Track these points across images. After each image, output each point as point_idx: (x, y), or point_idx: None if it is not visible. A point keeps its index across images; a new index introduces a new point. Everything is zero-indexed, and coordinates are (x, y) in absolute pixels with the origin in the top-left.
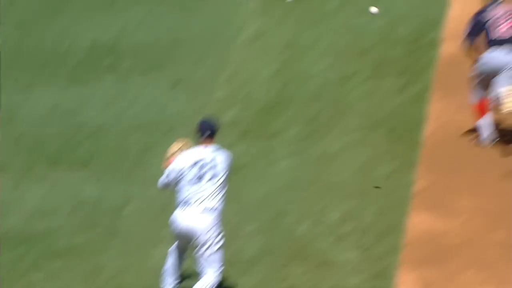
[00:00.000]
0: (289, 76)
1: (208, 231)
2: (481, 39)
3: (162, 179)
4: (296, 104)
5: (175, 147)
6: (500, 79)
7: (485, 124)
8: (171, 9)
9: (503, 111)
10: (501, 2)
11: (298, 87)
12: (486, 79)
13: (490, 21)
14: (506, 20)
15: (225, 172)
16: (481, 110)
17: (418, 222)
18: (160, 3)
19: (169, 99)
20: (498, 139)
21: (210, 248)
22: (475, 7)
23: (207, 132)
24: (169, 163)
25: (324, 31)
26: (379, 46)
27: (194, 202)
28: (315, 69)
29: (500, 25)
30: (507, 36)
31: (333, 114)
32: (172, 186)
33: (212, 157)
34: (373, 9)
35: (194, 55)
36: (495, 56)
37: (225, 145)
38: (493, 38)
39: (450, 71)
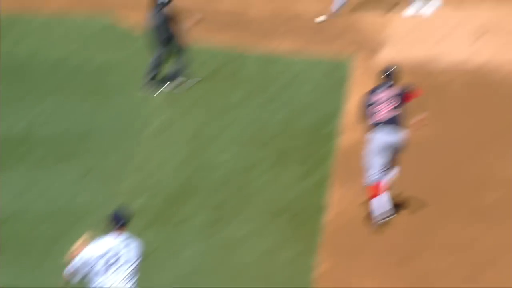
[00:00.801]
0: (195, 165)
1: None
2: (367, 121)
3: (68, 269)
4: (202, 191)
5: (82, 238)
6: (377, 160)
7: (379, 204)
8: (82, 101)
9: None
10: (389, 86)
11: (204, 176)
12: (373, 160)
13: (374, 103)
14: (387, 103)
15: (137, 259)
16: (374, 191)
17: None
18: (71, 96)
19: (80, 188)
20: (391, 218)
21: None
22: None
23: (120, 221)
24: (75, 254)
25: (229, 122)
26: (282, 136)
27: None
28: (221, 158)
29: (381, 107)
30: (386, 118)
31: (239, 201)
32: (81, 276)
33: (124, 245)
34: (320, 18)
35: (104, 145)
36: (377, 138)
37: (134, 233)
38: (375, 120)
39: (349, 159)
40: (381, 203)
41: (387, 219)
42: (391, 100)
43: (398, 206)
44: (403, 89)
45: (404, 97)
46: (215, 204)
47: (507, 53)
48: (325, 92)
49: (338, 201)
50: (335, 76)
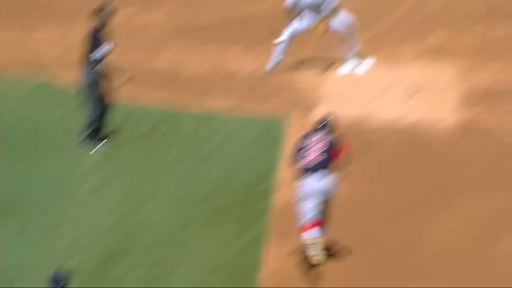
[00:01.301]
0: (131, 223)
1: None
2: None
3: None
4: (138, 249)
5: None
6: (308, 206)
7: (310, 234)
8: (17, 160)
9: (312, 262)
10: (323, 133)
11: (140, 233)
12: (304, 206)
13: (305, 148)
14: (318, 149)
15: None
16: (308, 227)
17: None
18: (6, 155)
19: (14, 248)
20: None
21: None
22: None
23: (59, 284)
24: None
25: (164, 180)
26: (217, 194)
27: None
28: (157, 216)
29: (311, 153)
30: (314, 163)
31: (175, 259)
32: None
33: None
34: (280, 39)
35: (39, 204)
36: (305, 183)
37: None
38: (304, 165)
39: (285, 216)
40: (312, 233)
41: (316, 247)
42: (322, 146)
43: (331, 255)
44: (334, 141)
45: (333, 152)
46: (152, 261)
47: (439, 112)
48: (261, 150)
49: (274, 258)
50: (270, 134)
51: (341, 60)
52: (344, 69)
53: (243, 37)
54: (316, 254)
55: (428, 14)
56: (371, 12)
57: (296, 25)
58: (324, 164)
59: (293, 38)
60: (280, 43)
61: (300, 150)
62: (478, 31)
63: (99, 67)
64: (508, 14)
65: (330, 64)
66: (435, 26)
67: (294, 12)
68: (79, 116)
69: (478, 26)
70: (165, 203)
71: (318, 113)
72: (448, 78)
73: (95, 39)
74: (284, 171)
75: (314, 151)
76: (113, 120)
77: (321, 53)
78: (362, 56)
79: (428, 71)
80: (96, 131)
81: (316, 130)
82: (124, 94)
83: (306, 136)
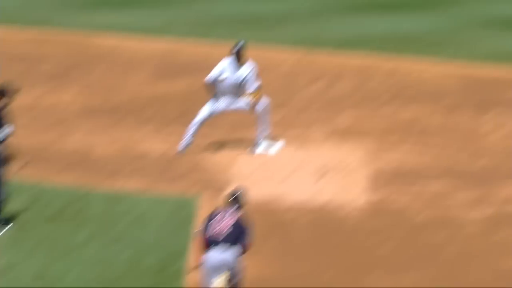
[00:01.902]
0: None
1: None
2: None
3: None
4: None
5: None
6: (214, 280)
7: None
8: None
9: None
10: (233, 208)
11: None
12: (209, 281)
13: (212, 221)
14: (225, 224)
15: None
16: None
17: None
18: None
19: None
20: None
21: None
22: None
23: None
24: None
25: (74, 262)
26: (128, 275)
27: None
28: None
29: (217, 226)
30: (220, 237)
31: None
32: None
33: None
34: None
35: None
36: (210, 256)
37: None
38: (210, 238)
39: None
40: None
41: None
42: (229, 221)
43: None
44: (243, 218)
45: (240, 229)
46: None
47: (349, 193)
48: (172, 231)
49: None
50: (181, 215)
51: (253, 141)
52: (256, 150)
53: (154, 117)
54: None
55: (336, 96)
56: (280, 94)
57: (212, 106)
58: (230, 238)
59: (206, 119)
60: (194, 124)
61: (208, 223)
62: (386, 113)
63: (1, 147)
64: (414, 97)
65: (242, 145)
66: (343, 108)
67: (213, 89)
68: None
69: (385, 108)
70: (74, 286)
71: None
72: (358, 159)
73: None
74: (195, 251)
75: (222, 225)
76: (20, 201)
77: (233, 134)
78: (272, 137)
79: (338, 152)
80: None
81: (226, 204)
82: (32, 175)
83: (216, 210)
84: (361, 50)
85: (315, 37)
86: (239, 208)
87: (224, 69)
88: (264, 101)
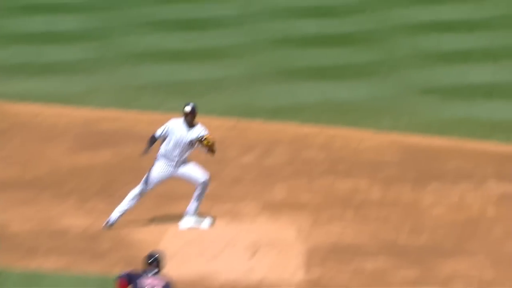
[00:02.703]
0: None
1: None
2: None
3: None
4: None
5: None
6: None
7: None
8: None
9: None
10: (153, 273)
11: None
12: None
13: (139, 280)
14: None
15: None
16: None
17: None
18: None
19: None
20: None
21: None
22: None
23: None
24: None
25: None
26: None
27: None
28: None
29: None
30: None
31: None
32: None
33: None
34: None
35: None
36: None
37: None
38: None
39: None
40: None
41: None
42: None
43: None
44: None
45: None
46: None
47: (283, 271)
48: None
49: None
50: None
51: (181, 215)
52: (186, 224)
53: (75, 191)
54: None
55: (270, 167)
56: (210, 165)
57: (144, 186)
58: None
59: (139, 196)
60: (127, 199)
61: (134, 280)
62: (322, 185)
63: None
64: (351, 168)
65: (172, 218)
66: (277, 180)
67: (149, 147)
68: None
69: (321, 180)
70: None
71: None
72: (293, 234)
73: None
74: None
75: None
76: None
77: (160, 207)
78: (202, 212)
79: (271, 227)
80: None
81: (145, 270)
82: None
83: (136, 275)
84: (296, 119)
85: (247, 106)
86: (158, 272)
87: (172, 128)
88: (205, 174)
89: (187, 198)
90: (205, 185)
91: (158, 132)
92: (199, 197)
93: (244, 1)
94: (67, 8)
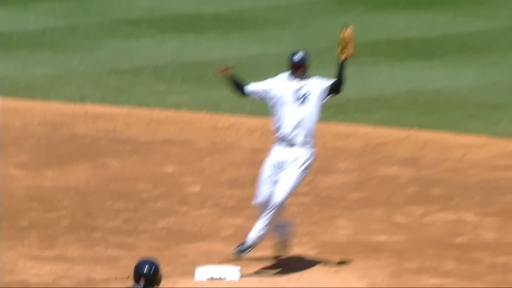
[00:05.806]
0: None
1: None
2: None
3: None
4: None
5: None
6: None
7: None
8: None
9: None
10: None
11: None
12: None
13: None
14: None
15: None
16: None
17: None
18: None
19: None
20: None
21: None
22: None
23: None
24: None
25: None
26: None
27: None
28: None
29: None
30: None
31: None
32: None
33: None
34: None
35: None
36: None
37: None
38: None
39: None
40: None
41: None
42: None
43: None
44: None
45: None
46: None
47: None
48: None
49: None
50: None
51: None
52: (202, 275)
53: (34, 227)
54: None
55: None
56: None
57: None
58: None
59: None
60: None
61: None
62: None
63: None
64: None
65: (181, 266)
66: None
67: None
68: None
69: None
70: None
71: None
72: None
73: None
74: None
75: None
76: None
77: (168, 249)
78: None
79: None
80: None
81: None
82: None
83: None
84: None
85: None
86: None
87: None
88: (285, 192)
89: (202, 236)
90: (276, 208)
91: (253, 87)
92: (265, 224)
93: None
94: None
